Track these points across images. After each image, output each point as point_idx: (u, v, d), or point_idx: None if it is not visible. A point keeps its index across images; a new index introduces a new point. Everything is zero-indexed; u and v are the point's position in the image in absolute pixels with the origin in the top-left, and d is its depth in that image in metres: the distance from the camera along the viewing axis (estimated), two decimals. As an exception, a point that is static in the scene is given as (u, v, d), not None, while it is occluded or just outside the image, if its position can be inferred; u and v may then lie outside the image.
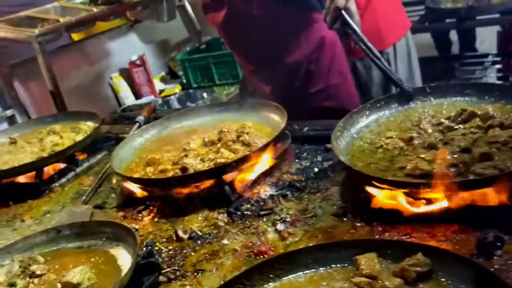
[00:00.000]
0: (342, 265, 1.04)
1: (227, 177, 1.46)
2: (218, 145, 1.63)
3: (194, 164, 1.51)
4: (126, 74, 3.36)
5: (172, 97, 3.32)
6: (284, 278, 1.04)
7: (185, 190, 1.50)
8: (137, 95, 3.33)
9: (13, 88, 2.36)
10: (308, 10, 2.03)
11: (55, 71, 2.60)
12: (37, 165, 1.86)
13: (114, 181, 1.71)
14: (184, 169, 1.49)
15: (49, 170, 1.93)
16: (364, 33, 2.04)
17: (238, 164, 1.45)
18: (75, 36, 3.32)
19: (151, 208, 1.53)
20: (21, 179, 1.89)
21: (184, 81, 3.50)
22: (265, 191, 1.48)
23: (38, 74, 2.69)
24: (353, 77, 2.43)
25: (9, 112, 2.36)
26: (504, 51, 3.98)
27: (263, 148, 1.48)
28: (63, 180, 1.90)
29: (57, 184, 1.87)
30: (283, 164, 1.59)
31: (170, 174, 1.51)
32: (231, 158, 1.48)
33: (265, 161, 1.52)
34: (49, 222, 1.63)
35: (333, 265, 1.04)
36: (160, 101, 3.18)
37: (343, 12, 1.56)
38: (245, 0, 1.95)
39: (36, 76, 2.69)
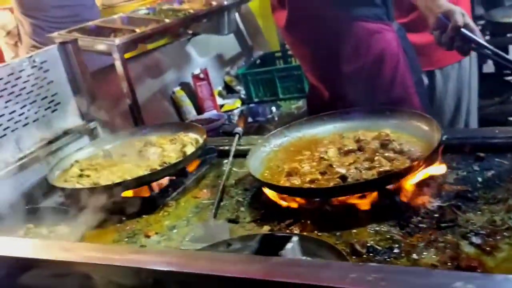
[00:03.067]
0: None
1: (393, 187, 1.34)
2: (359, 154, 1.52)
3: (352, 173, 1.40)
4: (187, 88, 3.25)
5: (235, 112, 3.21)
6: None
7: (343, 202, 1.38)
8: (199, 110, 3.21)
9: (96, 99, 2.23)
10: (373, 20, 1.95)
11: (117, 84, 2.52)
12: (151, 178, 1.73)
13: None
14: (343, 178, 1.38)
15: (159, 183, 1.81)
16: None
17: (405, 173, 1.34)
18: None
19: (303, 221, 1.40)
20: (131, 193, 1.77)
21: (243, 95, 3.39)
22: (430, 202, 1.37)
23: (108, 85, 2.60)
24: (428, 88, 2.35)
25: (92, 125, 2.23)
26: None
27: (430, 156, 1.37)
28: (174, 193, 1.78)
29: (168, 198, 1.75)
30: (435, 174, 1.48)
31: (324, 184, 1.40)
32: (395, 167, 1.37)
33: (428, 170, 1.40)
34: (180, 237, 1.50)
35: None
36: (226, 116, 3.06)
37: (462, 30, 1.48)
38: (306, 3, 1.88)
39: (108, 88, 2.59)
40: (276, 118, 3.02)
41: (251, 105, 3.27)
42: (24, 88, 2.02)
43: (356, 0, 1.94)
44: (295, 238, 1.02)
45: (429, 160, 1.38)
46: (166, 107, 3.18)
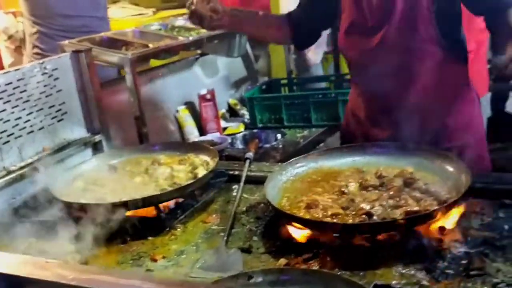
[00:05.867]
0: None
1: (421, 228, 1.29)
2: (382, 190, 1.47)
3: (376, 211, 1.34)
4: (192, 107, 3.20)
5: (237, 136, 3.15)
6: None
7: (366, 239, 1.32)
8: (202, 131, 3.15)
9: (103, 111, 2.17)
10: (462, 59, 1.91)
11: (123, 100, 2.46)
12: (160, 199, 1.66)
13: None
14: (369, 215, 1.32)
15: (165, 205, 1.74)
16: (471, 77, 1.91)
17: (435, 215, 1.29)
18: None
19: (322, 256, 1.34)
20: (137, 212, 1.69)
21: (247, 120, 3.35)
22: (455, 247, 1.32)
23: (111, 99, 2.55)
24: None
25: (97, 138, 2.16)
26: None
27: (460, 199, 1.32)
28: (182, 216, 1.70)
29: (176, 220, 1.68)
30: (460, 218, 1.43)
31: (347, 219, 1.34)
32: (424, 207, 1.32)
33: (455, 214, 1.36)
34: (190, 264, 1.43)
35: None
36: (229, 139, 3.00)
37: None
38: (406, 35, 1.82)
39: (111, 101, 2.53)
40: (281, 146, 2.97)
41: (255, 130, 3.22)
42: (32, 94, 1.96)
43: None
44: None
45: (457, 203, 1.33)
46: (169, 125, 3.12)
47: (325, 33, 4.17)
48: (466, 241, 1.33)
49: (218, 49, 3.28)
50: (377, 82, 1.84)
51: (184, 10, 4.40)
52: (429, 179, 1.51)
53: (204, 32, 2.93)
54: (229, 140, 3.00)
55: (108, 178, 1.86)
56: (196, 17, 2.00)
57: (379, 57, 1.83)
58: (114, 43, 2.60)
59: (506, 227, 1.38)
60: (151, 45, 2.51)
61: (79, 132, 2.14)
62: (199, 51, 3.37)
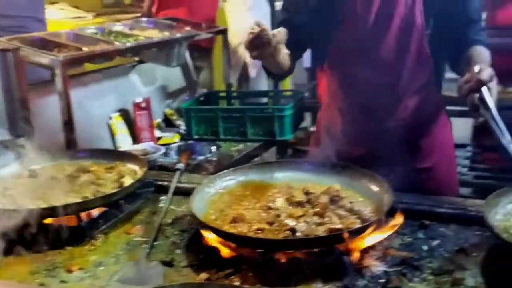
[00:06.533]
0: None
1: (342, 246, 1.30)
2: (308, 207, 1.47)
3: (300, 227, 1.34)
4: (126, 115, 3.12)
5: (172, 146, 3.10)
6: None
7: (289, 255, 1.31)
8: (136, 140, 3.08)
9: (29, 114, 2.07)
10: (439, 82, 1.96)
11: (53, 103, 2.36)
12: (82, 207, 1.60)
13: None
14: (293, 231, 1.32)
15: (88, 213, 1.67)
16: None
17: (357, 233, 1.30)
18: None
19: (244, 272, 1.32)
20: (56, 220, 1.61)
21: (182, 131, 3.31)
22: (375, 266, 1.34)
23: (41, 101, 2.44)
24: None
25: (21, 141, 2.05)
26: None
27: (382, 218, 1.35)
28: (104, 226, 1.64)
29: (98, 230, 1.62)
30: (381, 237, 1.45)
31: (272, 235, 1.33)
32: (346, 226, 1.33)
33: (378, 233, 1.37)
34: (107, 276, 1.37)
35: None
36: (163, 149, 2.94)
37: (483, 89, 1.49)
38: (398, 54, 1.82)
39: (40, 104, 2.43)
40: (215, 158, 2.95)
41: (190, 141, 3.18)
42: (-48, 92, 1.85)
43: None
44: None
45: (380, 222, 1.35)
46: (101, 132, 3.03)
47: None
48: (386, 260, 1.35)
49: (156, 58, 3.24)
50: (364, 100, 1.85)
51: (125, 16, 4.34)
52: (354, 197, 1.53)
53: (142, 38, 2.89)
54: (163, 150, 2.94)
55: (28, 184, 1.77)
56: (256, 45, 1.68)
57: (370, 75, 1.82)
58: (46, 44, 2.50)
59: (424, 247, 1.41)
60: (85, 49, 2.44)
61: (1, 134, 2.03)
62: (136, 59, 3.32)
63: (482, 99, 1.49)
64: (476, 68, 1.54)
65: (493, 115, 1.48)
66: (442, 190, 1.88)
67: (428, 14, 1.80)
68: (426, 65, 1.86)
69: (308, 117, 4.02)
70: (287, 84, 5.00)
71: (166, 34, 3.16)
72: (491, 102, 1.49)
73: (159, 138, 3.23)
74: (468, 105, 1.53)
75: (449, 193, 1.88)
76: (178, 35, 3.14)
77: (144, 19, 3.60)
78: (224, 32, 3.74)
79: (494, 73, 1.55)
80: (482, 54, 1.79)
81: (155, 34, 3.10)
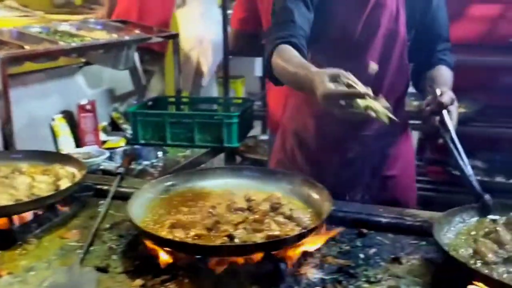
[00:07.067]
0: None
1: (279, 253, 1.30)
2: (246, 213, 1.47)
3: (239, 233, 1.33)
4: (70, 117, 3.04)
5: (117, 150, 3.03)
6: None
7: (227, 261, 1.30)
8: (79, 143, 3.00)
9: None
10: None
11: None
12: (14, 210, 1.53)
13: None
14: (231, 237, 1.30)
15: (21, 216, 1.61)
16: None
17: (294, 240, 1.30)
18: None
19: (180, 278, 1.30)
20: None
21: (129, 135, 3.24)
22: (312, 273, 1.34)
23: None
24: None
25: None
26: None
27: (320, 225, 1.35)
28: (38, 230, 1.58)
29: (30, 234, 1.55)
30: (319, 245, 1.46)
31: (210, 241, 1.31)
32: (284, 232, 1.33)
33: (315, 240, 1.38)
34: (38, 282, 1.32)
35: None
36: (107, 153, 2.88)
37: (444, 112, 1.53)
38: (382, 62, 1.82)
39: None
40: (161, 164, 2.91)
41: (136, 146, 3.12)
42: None
43: None
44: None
45: (317, 229, 1.35)
46: (42, 134, 2.93)
47: (219, 58, 4.23)
48: (323, 268, 1.36)
49: (103, 60, 3.17)
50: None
51: (75, 17, 4.23)
52: (295, 205, 1.53)
53: (88, 39, 2.83)
54: (107, 154, 2.87)
55: (-43, 185, 1.68)
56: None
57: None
58: (-15, 41, 2.41)
59: (361, 255, 1.43)
60: (27, 47, 2.36)
61: None
62: (83, 60, 3.24)
63: (442, 121, 1.55)
64: (438, 92, 1.60)
65: (452, 137, 1.54)
66: (405, 197, 1.96)
67: (410, 25, 1.84)
68: (405, 75, 1.91)
69: (258, 125, 4.03)
70: (240, 92, 5.01)
71: (114, 36, 3.11)
72: (450, 125, 1.55)
73: (104, 142, 3.16)
74: (429, 126, 1.58)
75: (411, 201, 1.97)
76: (127, 37, 3.09)
77: (92, 20, 3.52)
78: (175, 37, 3.70)
79: (455, 96, 1.61)
80: (444, 76, 1.85)
81: (103, 36, 3.04)
